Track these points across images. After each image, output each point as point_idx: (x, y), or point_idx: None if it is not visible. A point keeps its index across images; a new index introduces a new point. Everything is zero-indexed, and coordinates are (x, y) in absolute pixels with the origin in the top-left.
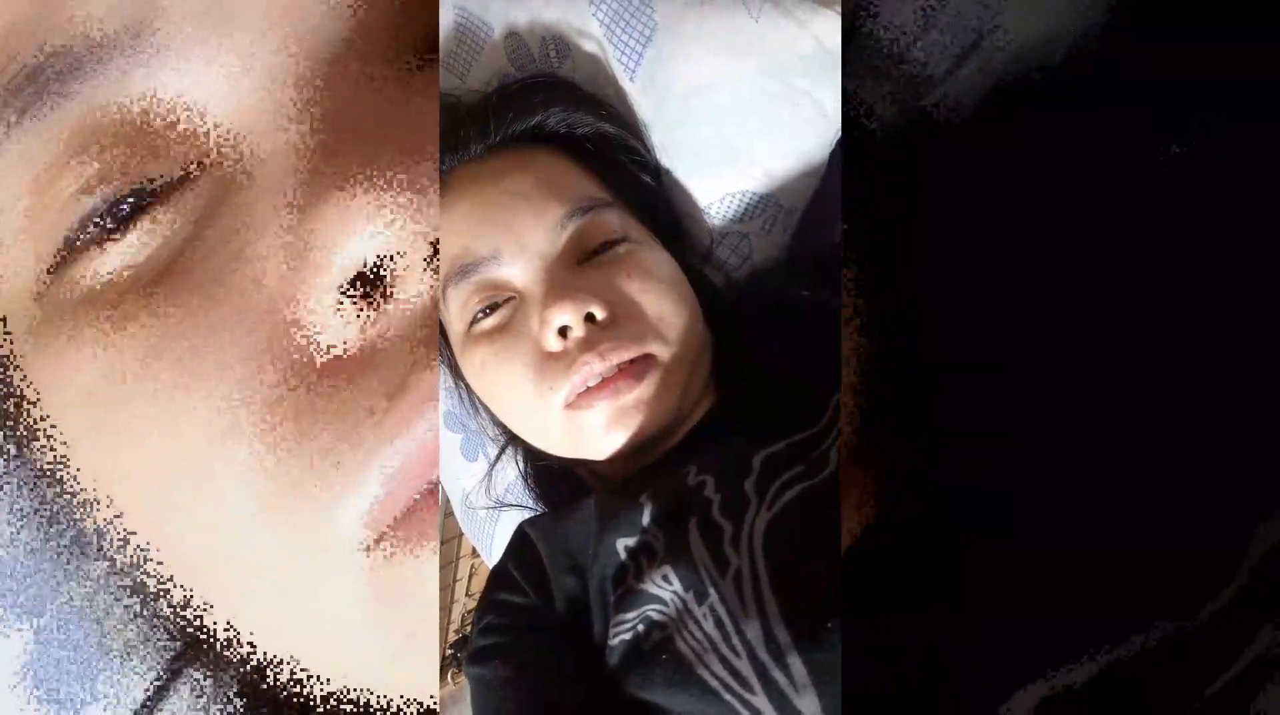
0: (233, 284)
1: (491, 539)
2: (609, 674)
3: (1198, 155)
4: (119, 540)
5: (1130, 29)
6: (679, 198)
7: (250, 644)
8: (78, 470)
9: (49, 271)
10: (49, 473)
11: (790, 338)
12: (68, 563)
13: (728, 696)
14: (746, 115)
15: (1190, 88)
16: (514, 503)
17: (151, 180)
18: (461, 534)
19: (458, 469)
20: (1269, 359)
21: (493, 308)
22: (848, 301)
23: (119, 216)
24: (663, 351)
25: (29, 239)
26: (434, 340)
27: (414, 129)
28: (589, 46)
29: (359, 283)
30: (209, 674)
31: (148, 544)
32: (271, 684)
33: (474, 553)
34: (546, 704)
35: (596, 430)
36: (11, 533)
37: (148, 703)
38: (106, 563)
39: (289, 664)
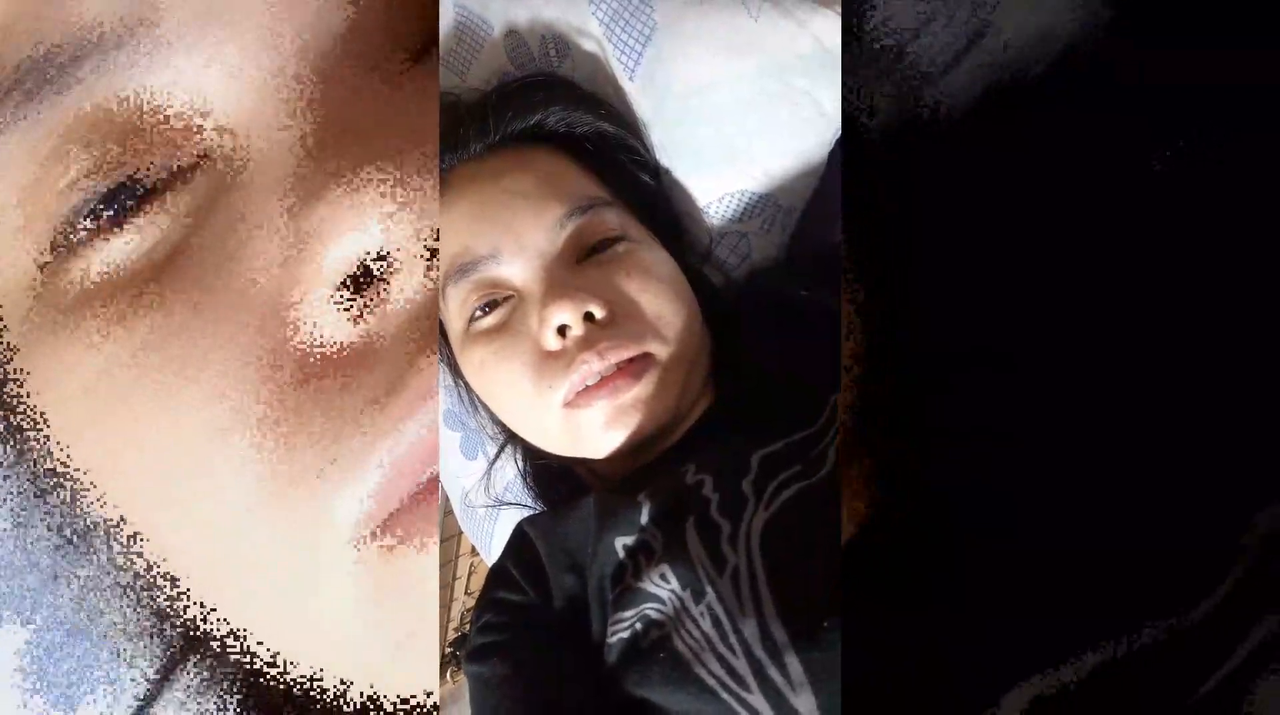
0: (229, 280)
1: (490, 537)
2: (607, 672)
3: (1195, 154)
4: (116, 536)
5: (1126, 29)
6: (678, 197)
7: (248, 640)
8: (75, 466)
9: (46, 267)
10: (46, 468)
11: (789, 337)
12: (65, 558)
13: (724, 695)
14: (746, 115)
15: (1186, 88)
16: (513, 501)
17: (148, 176)
18: (461, 532)
19: (457, 467)
20: (1264, 357)
21: (491, 306)
22: (847, 301)
23: (116, 212)
24: (661, 351)
25: (26, 234)
26: (433, 337)
27: (412, 126)
28: (588, 45)
29: (355, 279)
30: (206, 670)
31: (145, 540)
32: (270, 681)
33: (473, 551)
34: (545, 702)
35: (595, 429)
36: (8, 528)
37: (145, 698)
38: (103, 558)
39: (287, 661)
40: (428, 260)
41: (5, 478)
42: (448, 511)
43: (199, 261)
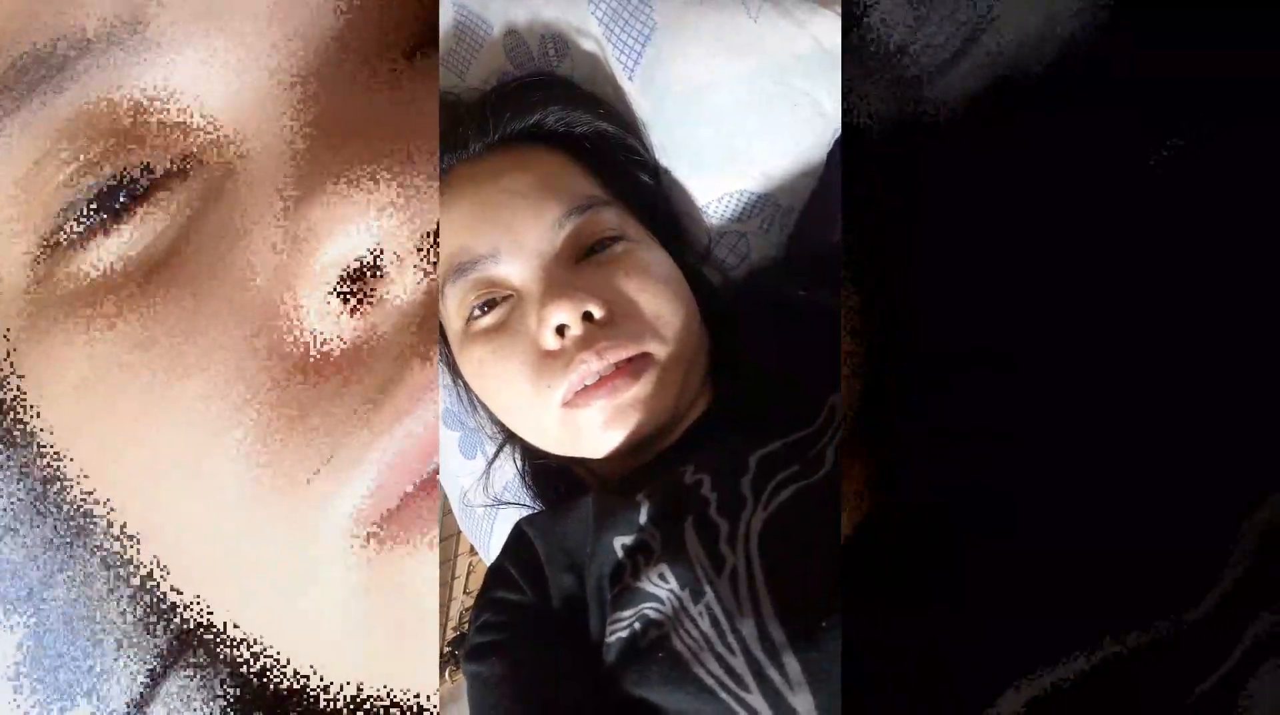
0: (226, 278)
1: (489, 537)
2: (605, 672)
3: (1193, 153)
4: (112, 534)
5: (1125, 27)
6: (677, 197)
7: (245, 639)
8: (71, 464)
9: (42, 264)
10: (42, 467)
11: (787, 337)
12: (61, 556)
13: (723, 694)
14: (745, 115)
15: (1185, 87)
16: (512, 501)
17: (145, 174)
18: (459, 531)
19: (456, 466)
20: (1263, 356)
21: (490, 305)
22: (846, 301)
23: (112, 210)
24: (660, 350)
25: (21, 232)
26: (431, 336)
27: (411, 125)
28: (588, 45)
29: (353, 278)
30: (203, 668)
31: (141, 537)
32: (267, 679)
33: (472, 550)
34: (543, 701)
35: (594, 428)
36: (4, 526)
37: (142, 696)
38: (100, 556)
39: (285, 659)
40: (426, 259)
41: (1, 477)
42: (446, 511)
43: (195, 259)
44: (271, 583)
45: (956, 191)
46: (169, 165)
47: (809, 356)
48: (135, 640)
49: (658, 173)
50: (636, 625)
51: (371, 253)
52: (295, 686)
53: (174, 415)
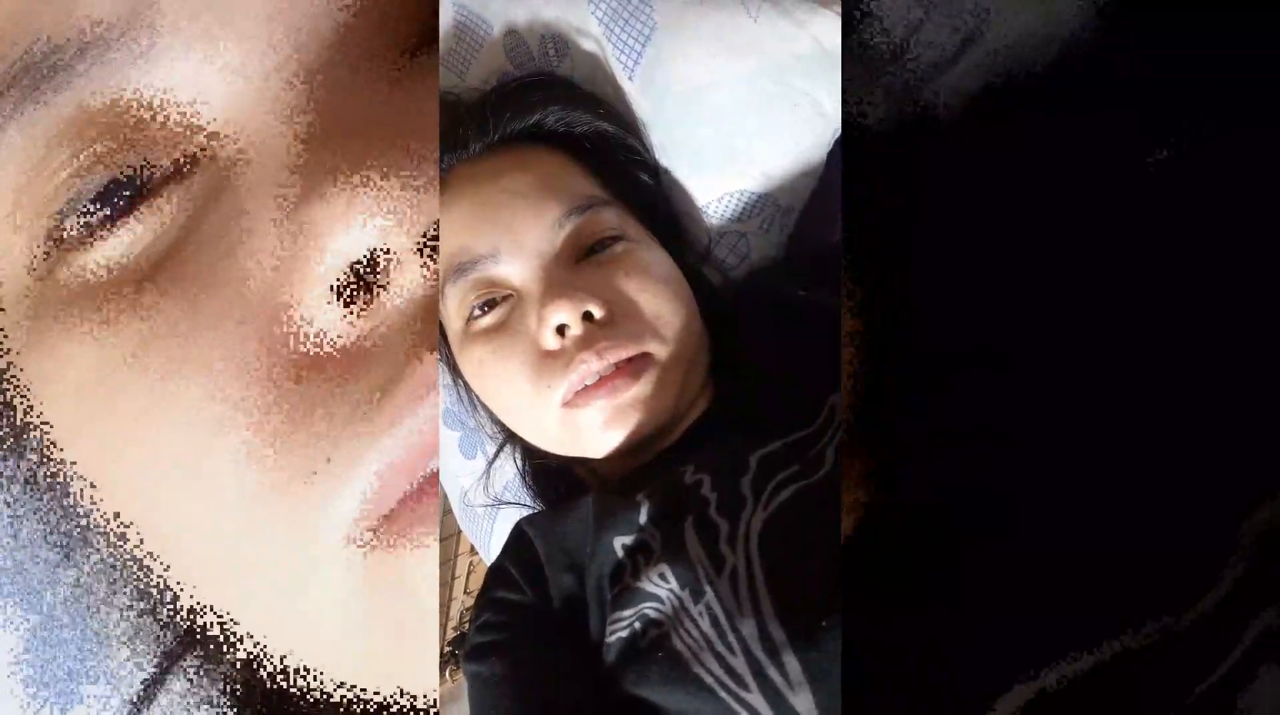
0: (227, 277)
1: (489, 536)
2: (605, 671)
3: (1193, 153)
4: (113, 533)
5: (1124, 27)
6: (677, 197)
7: (245, 638)
8: (71, 463)
9: (43, 263)
10: (42, 465)
11: (787, 337)
12: (62, 556)
13: (723, 694)
14: (745, 115)
15: (1183, 86)
16: (512, 500)
17: (146, 174)
18: (459, 531)
19: (456, 466)
20: (1262, 356)
21: (490, 305)
22: (846, 301)
23: (113, 210)
24: (660, 350)
25: (23, 231)
26: (432, 336)
27: (410, 124)
28: (588, 45)
29: (354, 278)
30: (203, 668)
31: (142, 537)
32: (267, 679)
33: (472, 550)
34: (543, 701)
35: (594, 428)
36: (5, 526)
37: (142, 696)
38: (100, 556)
39: (286, 659)
40: (427, 259)
41: (1, 476)
42: (446, 510)
43: (196, 259)
44: (271, 583)
45: (956, 191)
46: (169, 165)
47: (809, 356)
48: (136, 640)
49: (658, 173)
50: (637, 625)
51: (372, 253)
52: (295, 686)
53: (174, 415)
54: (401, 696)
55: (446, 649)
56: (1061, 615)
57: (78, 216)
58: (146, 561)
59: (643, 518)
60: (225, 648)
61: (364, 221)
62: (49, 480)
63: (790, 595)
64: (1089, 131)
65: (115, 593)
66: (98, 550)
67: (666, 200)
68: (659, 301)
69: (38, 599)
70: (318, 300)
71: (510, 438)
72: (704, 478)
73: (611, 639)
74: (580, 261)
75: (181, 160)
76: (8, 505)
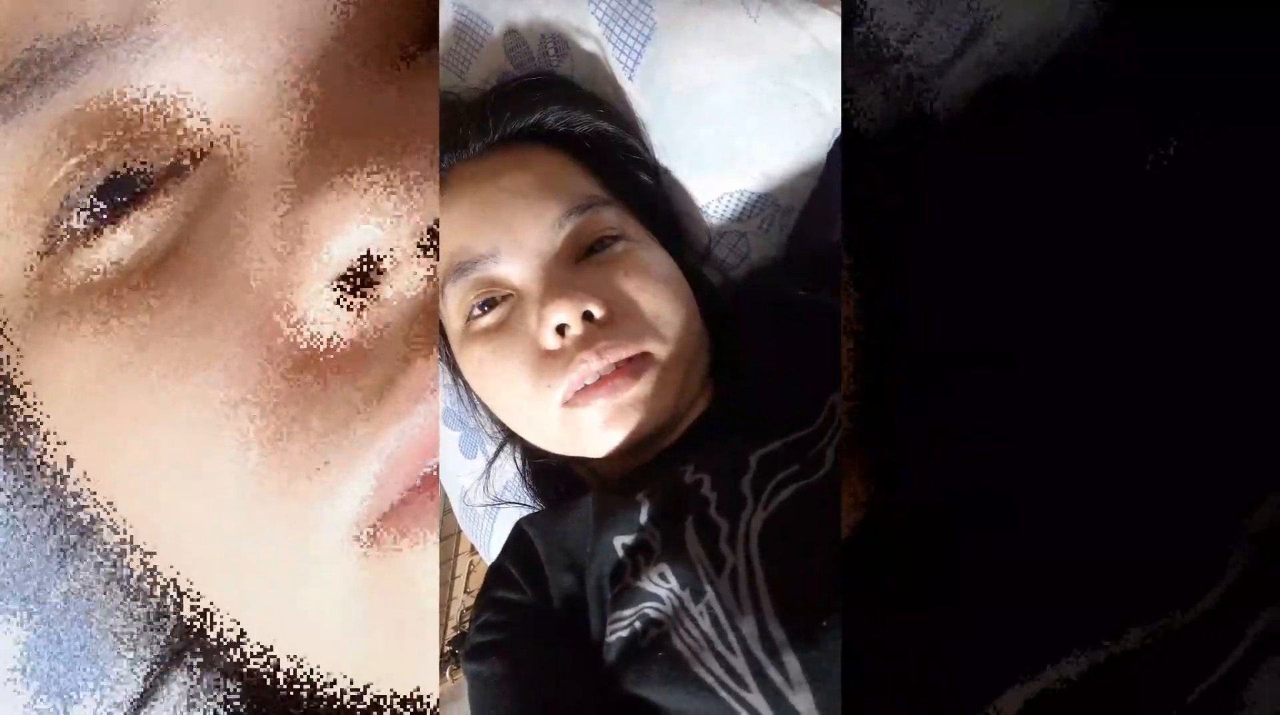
0: (226, 276)
1: (489, 536)
2: (606, 671)
3: (1193, 151)
4: (113, 533)
5: (1123, 27)
6: (677, 197)
7: (245, 638)
8: (71, 463)
9: (42, 263)
10: (42, 466)
11: (787, 337)
12: (62, 556)
13: (723, 694)
14: (745, 115)
15: (1183, 85)
16: (512, 500)
17: (145, 173)
18: (459, 531)
19: (456, 466)
20: (1262, 356)
21: (490, 304)
22: (846, 301)
23: (112, 209)
24: (660, 350)
25: (22, 231)
26: (432, 335)
27: (411, 125)
28: (588, 45)
29: (354, 277)
30: (203, 669)
31: (141, 537)
32: (267, 679)
33: (472, 550)
34: (543, 701)
35: (594, 428)
36: (5, 526)
37: (142, 696)
38: (100, 556)
39: (285, 659)
40: (427, 258)
41: (2, 476)
42: (447, 510)
43: (196, 258)
44: (271, 582)
45: (956, 191)
46: (169, 164)
47: (809, 356)
48: (136, 640)
49: (658, 172)
50: (637, 624)
51: (372, 252)
52: (295, 686)
53: (174, 415)
54: (401, 696)
55: (447, 649)
56: (1062, 615)
57: (77, 216)
58: (146, 561)
59: (643, 517)
60: (225, 647)
61: (364, 221)
62: (49, 480)
63: (790, 595)
64: (1089, 131)
65: (115, 592)
66: (97, 550)
67: (666, 200)
68: (659, 301)
69: (38, 599)
70: (318, 300)
71: (510, 437)
72: (704, 477)
73: (612, 638)
74: (580, 261)
75: (181, 160)
76: (8, 505)
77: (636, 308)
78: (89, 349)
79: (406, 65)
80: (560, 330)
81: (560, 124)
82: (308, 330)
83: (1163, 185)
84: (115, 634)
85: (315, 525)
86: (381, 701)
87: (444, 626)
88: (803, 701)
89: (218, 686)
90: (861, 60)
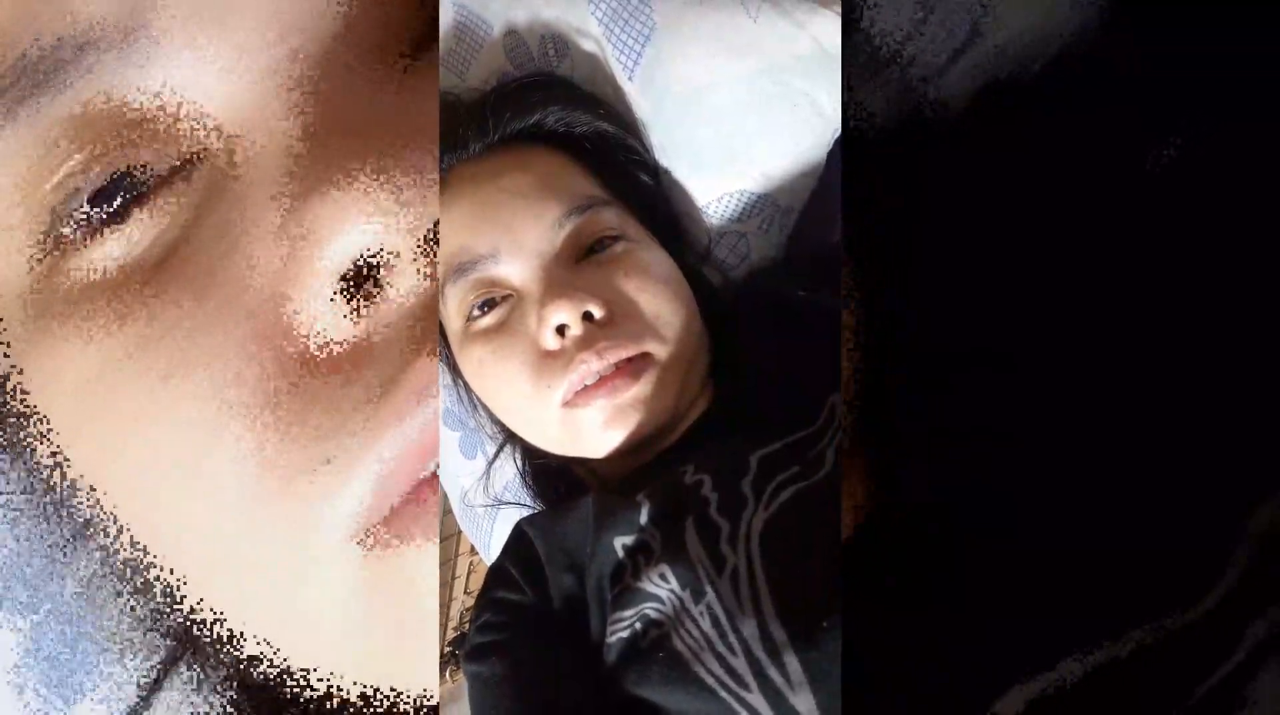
0: (227, 277)
1: (489, 536)
2: (606, 672)
3: (1193, 151)
4: (113, 534)
5: (1123, 25)
6: (677, 197)
7: (245, 639)
8: (71, 464)
9: (42, 264)
10: (42, 466)
11: (787, 337)
12: (60, 557)
13: (724, 694)
14: (744, 115)
15: (1184, 84)
16: (512, 500)
17: (145, 174)
18: (459, 531)
19: (456, 467)
20: (1262, 356)
21: (490, 305)
22: (846, 300)
23: (113, 210)
24: (660, 350)
25: (22, 232)
26: (432, 336)
27: (410, 124)
28: (588, 45)
29: (354, 278)
30: (203, 669)
31: (141, 538)
32: (267, 680)
33: (472, 550)
34: (543, 701)
35: (594, 428)
36: (4, 526)
37: (142, 697)
38: (100, 556)
39: (285, 660)
40: (426, 259)
41: (1, 476)
42: (447, 510)
43: (196, 259)
44: (271, 583)
45: (956, 191)
46: (169, 165)
47: (809, 356)
48: (136, 640)
49: (657, 173)
50: (637, 625)
51: (372, 253)
52: (295, 686)
53: (174, 415)
54: (401, 697)
55: (447, 649)
56: (1062, 615)
57: (77, 217)
58: (146, 561)
59: (643, 518)
60: (225, 647)
61: (364, 221)
62: (49, 480)
63: (791, 595)
64: (1089, 131)
65: (115, 593)
66: (97, 550)
67: (666, 200)
68: (659, 301)
69: (38, 599)
70: (318, 300)
71: (510, 438)
72: (704, 478)
73: (612, 639)
74: (580, 261)
75: (181, 160)
76: (7, 505)
77: (636, 308)
78: (89, 349)
79: (407, 66)
80: (560, 331)
81: (560, 124)
82: (308, 330)
83: (1163, 185)
84: (115, 634)
85: (315, 525)
86: (381, 701)
87: (444, 627)
88: (803, 702)
89: (218, 687)
90: (861, 60)
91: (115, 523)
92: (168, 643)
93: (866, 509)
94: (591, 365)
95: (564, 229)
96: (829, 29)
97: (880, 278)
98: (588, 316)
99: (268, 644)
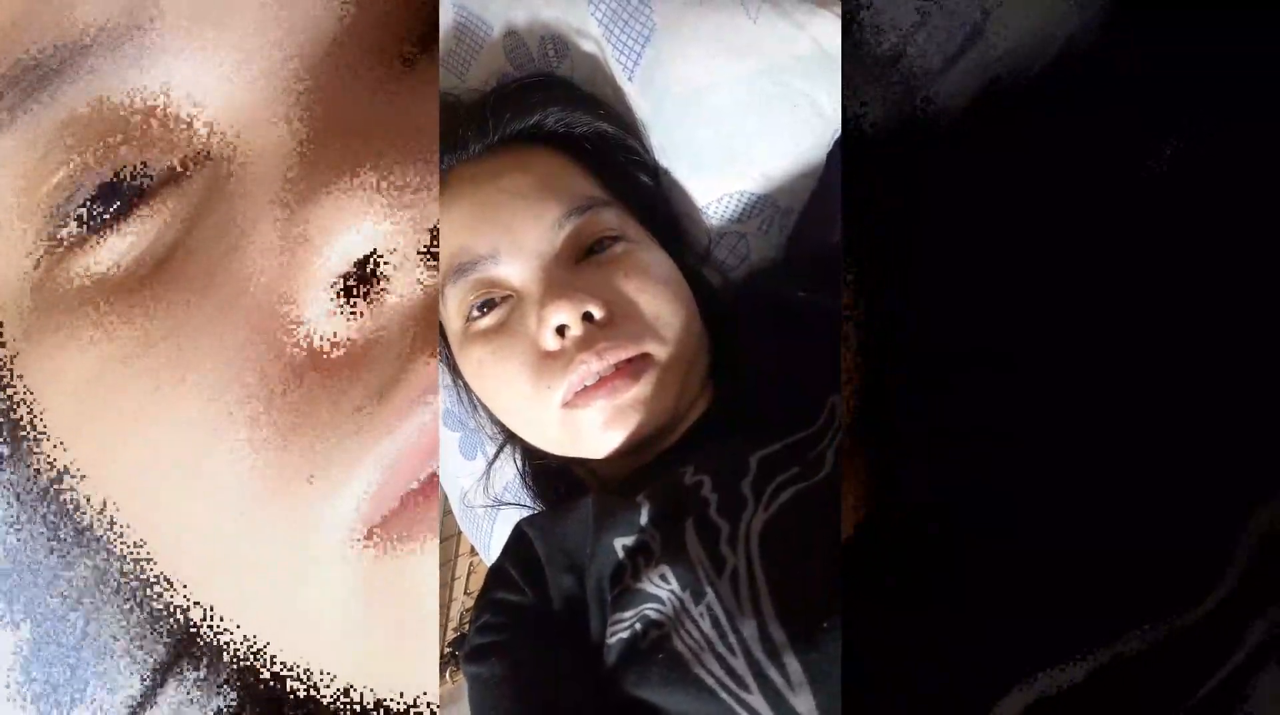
0: (227, 278)
1: (489, 537)
2: (606, 672)
3: (1193, 152)
4: (113, 536)
5: (1124, 26)
6: (677, 198)
7: (245, 640)
8: (71, 465)
9: (41, 265)
10: (41, 468)
11: (787, 338)
12: (60, 559)
13: (723, 695)
14: (744, 116)
15: (1184, 84)
16: (512, 501)
17: (145, 175)
18: (459, 532)
19: (456, 467)
20: (1263, 357)
21: (489, 305)
22: (846, 301)
23: (113, 211)
24: (660, 351)
25: (22, 233)
26: (432, 336)
27: (409, 125)
28: (587, 46)
29: (353, 277)
30: (203, 671)
31: (141, 539)
32: (267, 681)
33: (472, 551)
34: (543, 702)
35: (594, 429)
36: (3, 529)
37: (142, 696)
38: (100, 558)
39: (285, 661)
40: (426, 260)
41: (1, 478)
42: (447, 511)
43: (195, 260)
44: (271, 583)
45: (956, 192)
46: (169, 166)
47: (809, 357)
48: (136, 640)
49: (657, 173)
50: (637, 626)
51: (372, 253)
52: (295, 687)
53: (174, 415)
54: (401, 697)
55: (446, 650)
56: (1063, 616)
57: (77, 218)
58: (146, 562)
59: (643, 519)
60: (225, 648)
61: (363, 222)
62: (48, 481)
63: (791, 596)
64: (1089, 131)
65: (115, 593)
66: (97, 551)
67: (666, 201)
68: (659, 302)
69: (37, 600)
70: (317, 301)
71: (510, 438)
72: (704, 479)
73: (612, 640)
74: (580, 262)
75: (181, 161)
76: (7, 506)
77: (636, 309)
78: (89, 350)
79: (406, 67)
80: (560, 331)
81: (560, 125)
82: (308, 331)
83: (1162, 185)
84: (115, 635)
85: (315, 526)
86: (381, 702)
87: (444, 628)
88: (803, 703)
89: (217, 688)
90: (861, 61)
91: (115, 523)
92: (167, 643)
93: (866, 509)
94: (591, 366)
95: (564, 229)
96: (829, 30)
97: (880, 278)
98: (587, 317)
99: (268, 644)
